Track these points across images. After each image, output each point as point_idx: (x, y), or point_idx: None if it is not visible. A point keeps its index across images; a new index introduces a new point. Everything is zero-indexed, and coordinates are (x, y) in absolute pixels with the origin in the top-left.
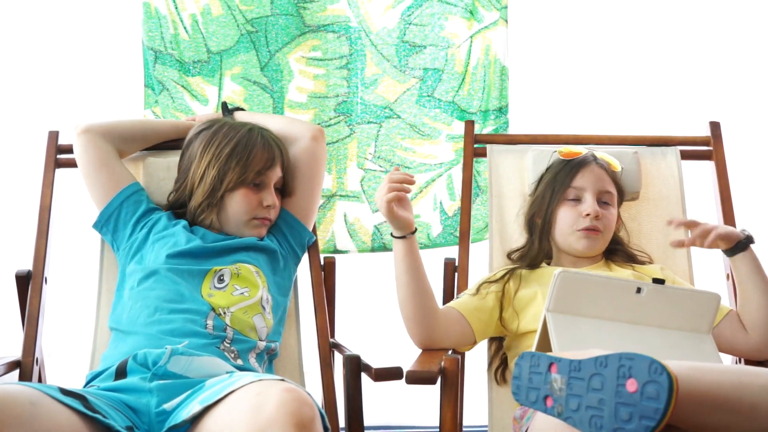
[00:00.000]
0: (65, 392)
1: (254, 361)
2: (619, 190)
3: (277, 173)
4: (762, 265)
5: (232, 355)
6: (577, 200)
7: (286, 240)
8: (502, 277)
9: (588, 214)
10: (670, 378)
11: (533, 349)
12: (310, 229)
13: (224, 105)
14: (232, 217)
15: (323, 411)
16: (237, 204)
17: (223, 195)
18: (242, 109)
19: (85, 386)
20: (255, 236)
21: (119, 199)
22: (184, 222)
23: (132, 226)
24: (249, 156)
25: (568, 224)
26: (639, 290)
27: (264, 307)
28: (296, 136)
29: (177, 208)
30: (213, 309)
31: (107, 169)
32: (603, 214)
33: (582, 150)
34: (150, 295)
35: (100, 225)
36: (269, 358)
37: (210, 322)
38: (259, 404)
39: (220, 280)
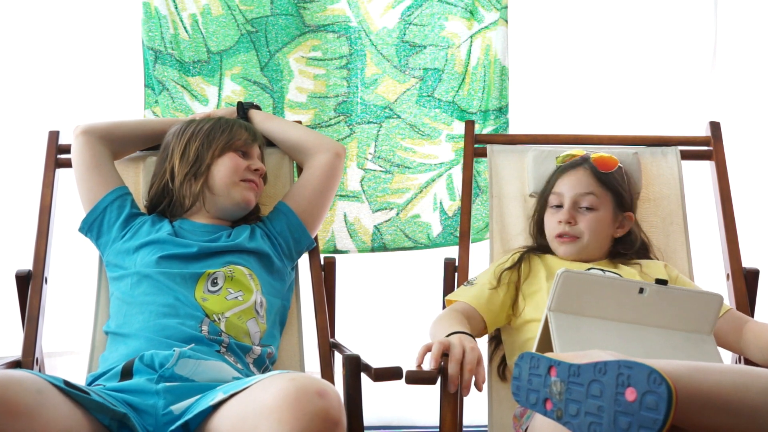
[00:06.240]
0: (69, 384)
1: (253, 367)
2: (615, 189)
3: (257, 151)
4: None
5: (232, 359)
6: (560, 206)
7: (287, 243)
8: (516, 261)
9: (560, 221)
10: (669, 389)
11: (534, 349)
12: (313, 236)
13: (240, 104)
14: (219, 182)
15: None
16: (225, 167)
17: (210, 164)
18: (258, 108)
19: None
20: (243, 201)
21: (103, 204)
22: (168, 227)
23: (116, 231)
24: (232, 129)
25: (549, 230)
26: (641, 290)
27: (258, 311)
28: (319, 148)
29: (159, 203)
30: (207, 315)
31: (97, 172)
32: (579, 219)
33: (580, 152)
34: (145, 300)
35: (85, 229)
36: (270, 362)
37: (205, 328)
38: (295, 385)
39: (214, 283)
